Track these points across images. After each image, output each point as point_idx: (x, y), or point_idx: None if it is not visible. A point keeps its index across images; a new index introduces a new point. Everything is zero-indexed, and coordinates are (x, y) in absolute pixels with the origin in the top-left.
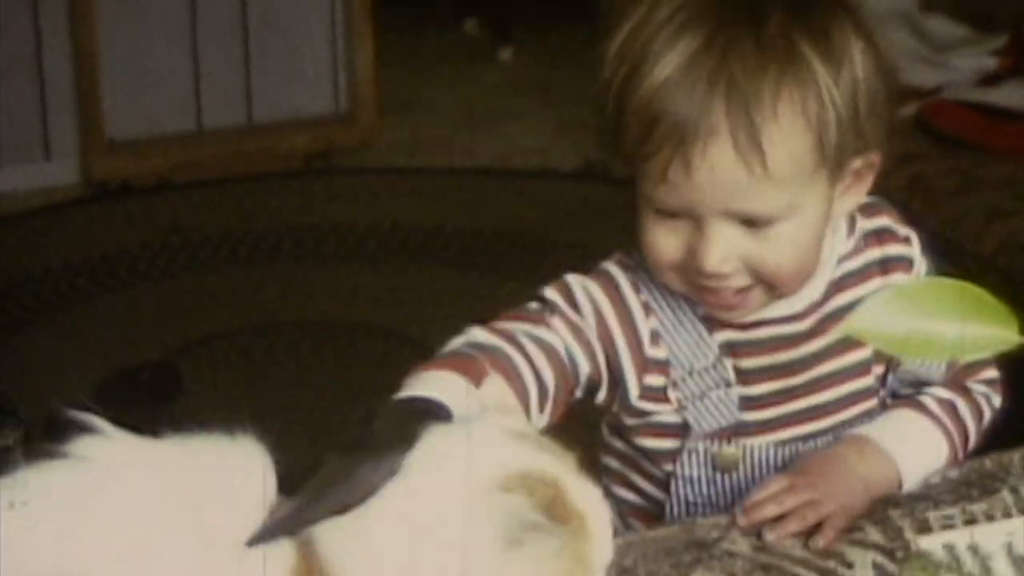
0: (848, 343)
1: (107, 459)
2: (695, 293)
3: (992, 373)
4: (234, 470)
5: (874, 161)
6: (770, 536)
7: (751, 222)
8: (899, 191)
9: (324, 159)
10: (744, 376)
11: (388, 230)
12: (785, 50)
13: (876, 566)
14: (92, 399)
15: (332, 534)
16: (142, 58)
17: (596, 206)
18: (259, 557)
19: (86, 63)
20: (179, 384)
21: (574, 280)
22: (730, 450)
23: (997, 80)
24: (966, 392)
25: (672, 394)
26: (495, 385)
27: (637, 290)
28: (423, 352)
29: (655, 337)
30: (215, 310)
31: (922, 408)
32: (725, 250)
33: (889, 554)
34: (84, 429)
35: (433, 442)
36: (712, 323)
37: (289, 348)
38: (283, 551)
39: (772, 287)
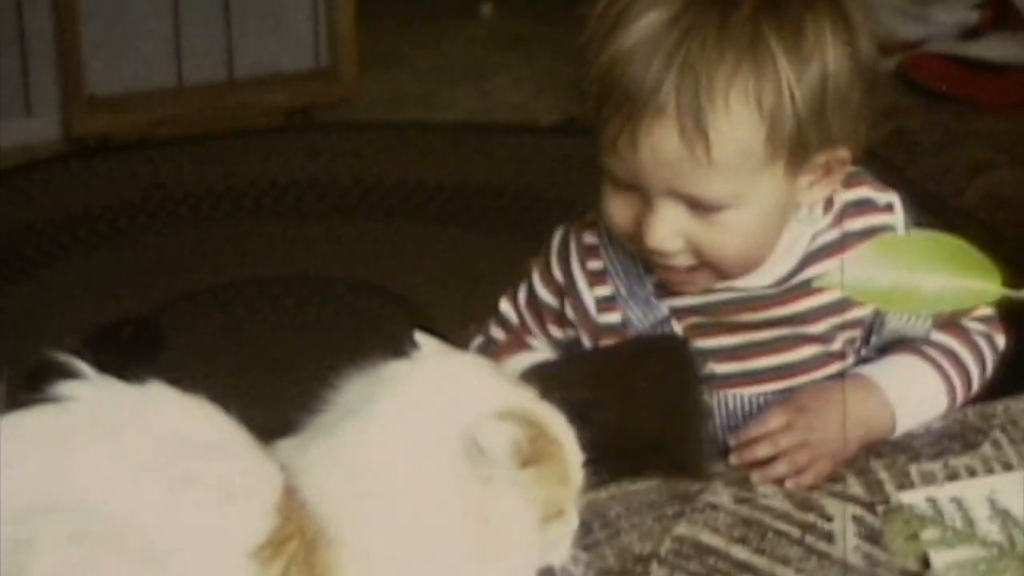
0: (818, 311)
1: (91, 400)
2: (648, 263)
3: (986, 310)
4: (214, 418)
5: (843, 157)
6: (756, 478)
7: (697, 205)
8: (881, 145)
9: (305, 115)
10: (699, 330)
11: (370, 186)
12: (750, 38)
13: (856, 519)
14: (76, 351)
15: (316, 474)
16: (122, 14)
17: (577, 161)
18: (242, 496)
19: (67, 19)
20: (161, 340)
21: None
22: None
23: (979, 33)
24: (964, 334)
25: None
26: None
27: (593, 256)
28: (405, 307)
29: (607, 303)
30: (196, 266)
31: (921, 354)
32: (668, 229)
33: (869, 507)
34: (69, 374)
35: (418, 379)
36: (664, 288)
37: (271, 304)
38: (267, 490)
39: (717, 270)
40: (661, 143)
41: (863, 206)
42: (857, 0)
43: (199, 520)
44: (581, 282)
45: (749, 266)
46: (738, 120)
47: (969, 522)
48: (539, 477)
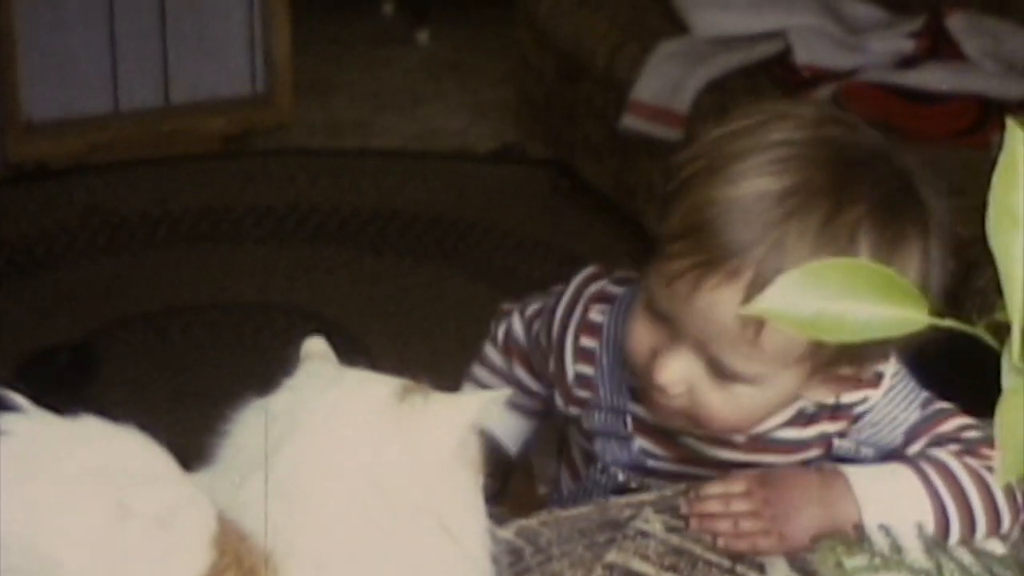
0: (784, 456)
1: (23, 435)
2: (640, 380)
3: (972, 433)
4: (146, 448)
5: (863, 377)
6: (694, 524)
7: (716, 367)
8: None
9: (241, 141)
10: (647, 433)
11: (305, 212)
12: (846, 242)
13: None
14: (9, 381)
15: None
16: (59, 40)
17: (513, 188)
18: (176, 530)
19: (3, 44)
20: (95, 366)
21: (515, 317)
22: (635, 485)
23: (914, 63)
24: (957, 456)
25: (584, 423)
26: None
27: (588, 333)
28: (340, 334)
29: (583, 380)
30: (132, 292)
31: (903, 459)
32: (680, 374)
33: None
34: (3, 407)
35: (327, 394)
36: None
37: (206, 330)
38: (202, 522)
39: (701, 426)
40: (720, 304)
41: (829, 411)
42: (944, 246)
43: (133, 553)
44: (568, 356)
45: (731, 433)
46: None
47: (897, 549)
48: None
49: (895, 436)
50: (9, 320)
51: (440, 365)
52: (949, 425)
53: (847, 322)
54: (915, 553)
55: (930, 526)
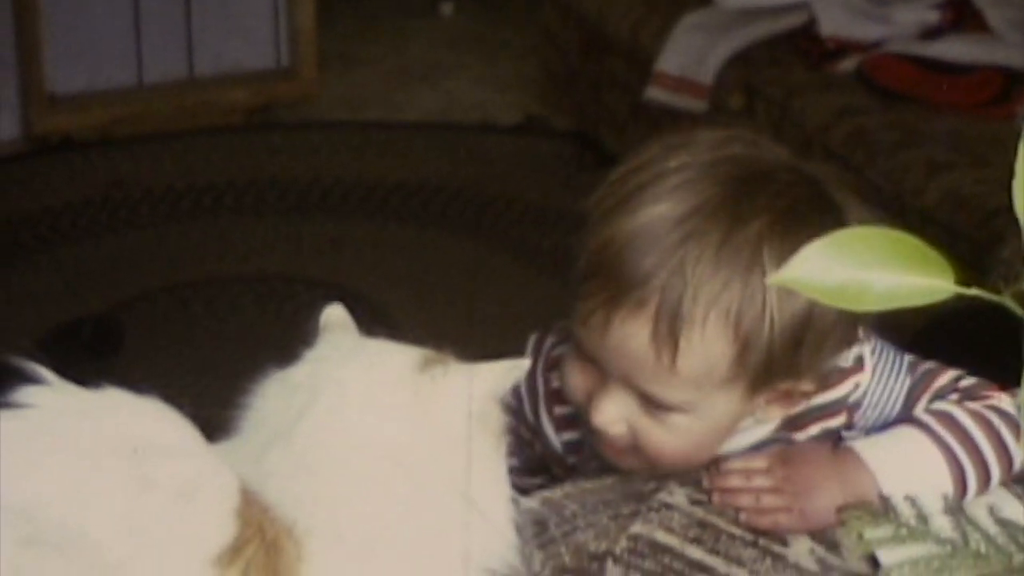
0: None
1: (50, 407)
2: (589, 428)
3: (969, 380)
4: (169, 421)
5: (806, 389)
6: (716, 499)
7: (649, 401)
8: (840, 145)
9: (265, 114)
10: None
11: (329, 184)
12: (747, 258)
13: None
14: (33, 354)
15: (281, 479)
16: (82, 13)
17: (536, 160)
18: (199, 502)
19: (26, 19)
20: (121, 339)
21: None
22: None
23: (938, 33)
24: (959, 402)
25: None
26: None
27: (559, 401)
28: (363, 306)
29: (572, 446)
30: (156, 265)
31: (911, 421)
32: (616, 413)
33: None
34: (27, 379)
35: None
36: None
37: (230, 302)
38: (225, 494)
39: (651, 463)
40: (631, 337)
41: (822, 411)
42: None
43: (157, 524)
44: (548, 428)
45: (680, 466)
46: (711, 338)
47: (923, 519)
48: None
49: (897, 407)
50: (33, 293)
51: (463, 336)
52: (943, 379)
53: (873, 291)
54: (940, 522)
55: (946, 479)
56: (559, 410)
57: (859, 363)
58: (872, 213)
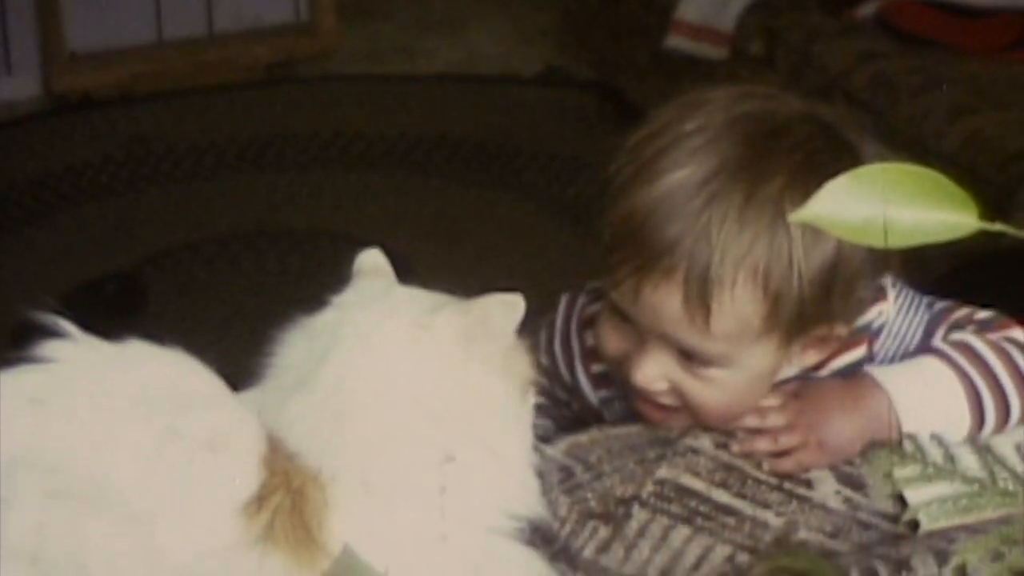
0: None
1: (75, 360)
2: (629, 388)
3: (985, 313)
4: (194, 371)
5: (840, 333)
6: (736, 448)
7: (688, 356)
8: (861, 91)
9: (285, 69)
10: None
11: (350, 138)
12: (771, 217)
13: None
14: (58, 311)
15: (303, 427)
16: None
17: (559, 111)
18: (226, 451)
19: None
20: (144, 296)
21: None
22: None
23: None
24: (978, 332)
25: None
26: None
27: (595, 360)
28: (388, 259)
29: (608, 401)
30: (179, 222)
31: (932, 351)
32: (656, 370)
33: None
34: (52, 333)
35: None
36: None
37: (253, 258)
38: (252, 443)
39: (696, 418)
40: (664, 302)
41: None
42: None
43: (183, 474)
44: (586, 385)
45: (728, 421)
46: (742, 297)
47: (950, 458)
48: (514, 352)
49: (917, 339)
50: (56, 251)
51: (489, 287)
52: (961, 312)
53: (896, 227)
54: (968, 460)
55: (963, 405)
56: (595, 367)
57: (881, 291)
58: (888, 150)
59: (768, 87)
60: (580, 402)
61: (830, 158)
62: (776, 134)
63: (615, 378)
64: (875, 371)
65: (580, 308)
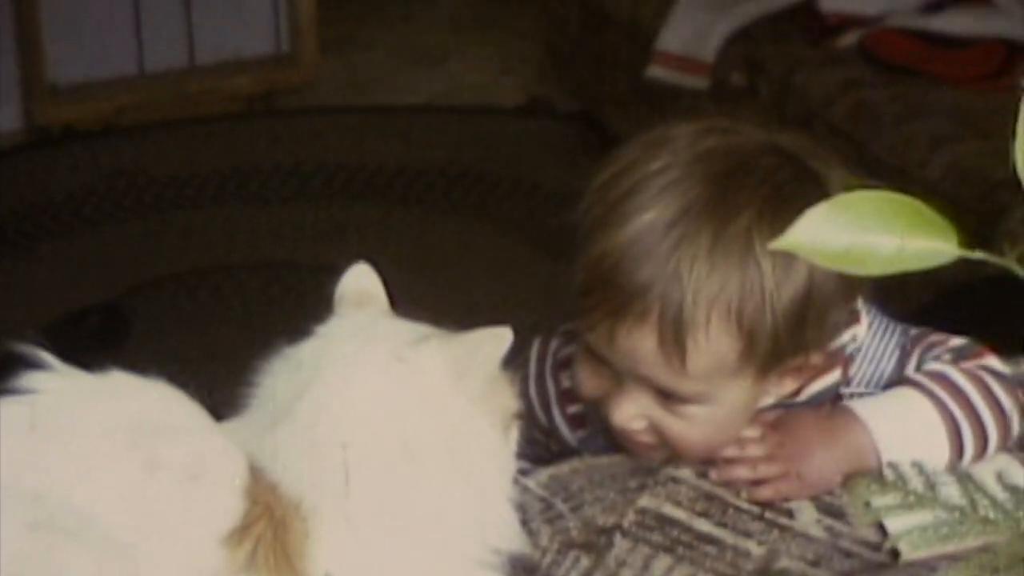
0: None
1: (56, 391)
2: (610, 429)
3: (958, 341)
4: (175, 401)
5: (815, 362)
6: (714, 475)
7: (665, 395)
8: (843, 120)
9: (267, 100)
10: None
11: (332, 170)
12: (740, 252)
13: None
14: (40, 344)
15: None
16: (83, 3)
17: (540, 142)
18: (207, 481)
19: (27, 8)
20: (126, 328)
21: None
22: None
23: (939, 7)
24: (953, 364)
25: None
26: None
27: (571, 401)
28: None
29: (587, 441)
30: (161, 253)
31: (909, 382)
32: (634, 411)
33: None
34: (34, 365)
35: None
36: None
37: (235, 290)
38: (233, 473)
39: (678, 454)
40: (639, 345)
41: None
42: None
43: (165, 505)
44: (563, 427)
45: (707, 454)
46: (716, 336)
47: (931, 486)
48: (499, 385)
49: (892, 362)
50: (39, 284)
51: (470, 318)
52: (935, 337)
53: (877, 255)
54: (948, 489)
55: (942, 436)
56: (572, 409)
57: (855, 314)
58: (860, 177)
59: (732, 120)
60: (558, 444)
61: (796, 189)
62: (741, 169)
63: (594, 418)
64: (854, 404)
65: (554, 351)
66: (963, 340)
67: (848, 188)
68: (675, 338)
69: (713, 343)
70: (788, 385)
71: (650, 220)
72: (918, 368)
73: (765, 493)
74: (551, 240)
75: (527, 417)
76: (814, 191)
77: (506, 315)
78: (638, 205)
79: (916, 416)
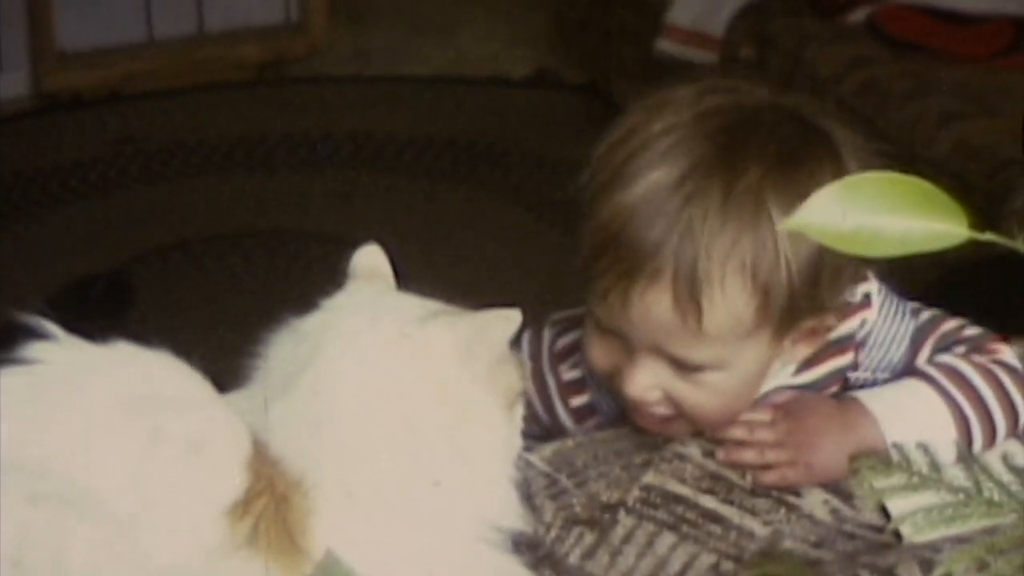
0: None
1: (59, 362)
2: (623, 404)
3: (969, 331)
4: (179, 373)
5: (829, 324)
6: (721, 455)
7: (679, 364)
8: (851, 96)
9: (275, 69)
10: None
11: (340, 139)
12: (752, 209)
13: None
14: (44, 312)
15: (286, 431)
16: None
17: (548, 113)
18: (210, 454)
19: None
20: (132, 295)
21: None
22: None
23: None
24: (962, 353)
25: None
26: None
27: (576, 392)
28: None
29: (584, 412)
30: (167, 221)
31: (916, 373)
32: (649, 382)
33: None
34: (37, 335)
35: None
36: None
37: (242, 258)
38: (236, 446)
39: (694, 424)
40: (653, 306)
41: (832, 348)
42: (867, 162)
43: (167, 478)
44: (567, 421)
45: (726, 421)
46: (732, 292)
47: (935, 467)
48: (506, 365)
49: (902, 350)
50: (44, 251)
51: (477, 289)
52: (948, 325)
53: (886, 236)
54: (953, 471)
55: (951, 433)
56: (576, 401)
57: (866, 299)
58: (857, 133)
59: (731, 79)
60: (562, 438)
61: (804, 145)
62: (746, 126)
63: (603, 404)
64: (865, 397)
65: (548, 344)
66: (977, 330)
67: (856, 149)
68: (690, 295)
69: (729, 299)
70: (802, 350)
71: (658, 179)
72: (931, 358)
73: (771, 478)
74: (558, 211)
75: (527, 415)
76: (823, 149)
77: (512, 285)
78: (644, 165)
79: (926, 413)
